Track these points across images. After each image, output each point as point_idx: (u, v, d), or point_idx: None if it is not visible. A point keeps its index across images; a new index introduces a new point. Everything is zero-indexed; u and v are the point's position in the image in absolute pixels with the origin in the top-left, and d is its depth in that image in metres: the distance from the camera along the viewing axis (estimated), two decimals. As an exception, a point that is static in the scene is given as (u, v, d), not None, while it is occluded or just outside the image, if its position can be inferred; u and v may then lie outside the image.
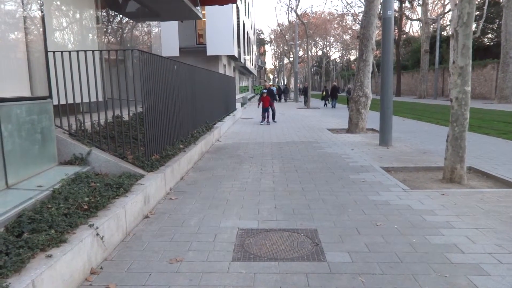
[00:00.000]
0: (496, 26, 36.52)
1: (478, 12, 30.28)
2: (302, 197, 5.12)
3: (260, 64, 72.91)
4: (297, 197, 5.12)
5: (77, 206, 3.54)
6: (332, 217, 4.35)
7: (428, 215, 4.34)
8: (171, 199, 5.12)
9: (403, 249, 3.48)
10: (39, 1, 4.80)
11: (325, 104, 28.07)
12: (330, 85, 37.96)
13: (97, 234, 3.26)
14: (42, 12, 4.85)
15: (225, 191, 5.48)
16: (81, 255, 2.99)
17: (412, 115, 18.21)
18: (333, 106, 25.99)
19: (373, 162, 7.29)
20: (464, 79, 5.57)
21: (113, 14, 8.91)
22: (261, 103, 15.25)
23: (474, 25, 28.94)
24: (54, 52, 5.12)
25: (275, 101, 16.30)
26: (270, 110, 15.24)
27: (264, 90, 15.51)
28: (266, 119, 15.29)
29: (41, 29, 4.81)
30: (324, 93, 27.91)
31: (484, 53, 35.58)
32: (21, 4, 4.44)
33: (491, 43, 37.57)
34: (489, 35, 38.05)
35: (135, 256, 3.43)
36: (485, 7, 26.50)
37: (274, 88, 29.12)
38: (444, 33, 42.19)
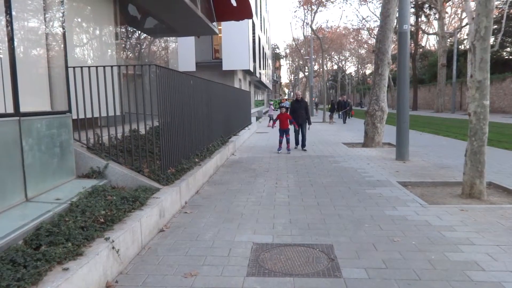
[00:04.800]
0: (515, 39, 36.06)
1: (496, 26, 29.98)
2: (317, 212, 5.07)
3: (275, 78, 73.29)
4: (312, 212, 5.08)
5: (93, 219, 3.58)
6: (348, 232, 4.29)
7: (447, 231, 4.24)
8: (186, 212, 5.13)
9: (421, 266, 3.40)
10: (61, 19, 4.96)
11: (331, 116, 28.71)
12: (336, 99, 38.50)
13: (113, 248, 3.28)
14: (63, 29, 4.99)
15: (240, 205, 5.47)
16: (97, 268, 3.00)
17: (429, 129, 17.96)
18: (340, 117, 28.82)
19: (389, 176, 7.19)
20: (482, 93, 5.49)
21: (131, 30, 9.11)
22: (277, 122, 11.10)
23: (492, 39, 28.60)
24: (74, 67, 5.25)
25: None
26: (289, 132, 11.05)
27: (283, 104, 11.69)
28: (286, 145, 11.05)
29: (62, 46, 4.95)
30: (330, 106, 28.82)
31: (503, 67, 35.05)
32: (43, 21, 4.59)
33: (510, 57, 37.04)
34: (508, 49, 37.53)
35: (150, 270, 3.44)
36: (503, 21, 26.22)
37: (288, 103, 27.58)
38: (462, 47, 41.80)
